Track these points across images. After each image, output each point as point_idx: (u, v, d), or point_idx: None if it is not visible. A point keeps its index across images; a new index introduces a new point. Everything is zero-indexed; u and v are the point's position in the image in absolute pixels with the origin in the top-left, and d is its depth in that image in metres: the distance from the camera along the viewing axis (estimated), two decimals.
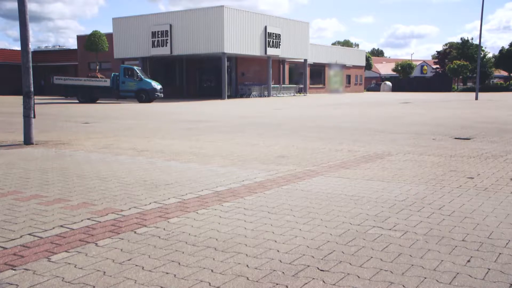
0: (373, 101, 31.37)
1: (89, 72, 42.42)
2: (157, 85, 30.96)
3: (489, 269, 2.97)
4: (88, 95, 31.12)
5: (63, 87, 31.85)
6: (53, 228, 3.81)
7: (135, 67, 31.34)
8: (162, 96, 31.61)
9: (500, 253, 3.23)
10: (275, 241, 3.50)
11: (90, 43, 35.03)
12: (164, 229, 3.80)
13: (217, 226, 3.87)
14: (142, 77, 30.45)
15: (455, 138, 10.01)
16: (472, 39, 78.23)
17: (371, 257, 3.17)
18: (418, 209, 4.38)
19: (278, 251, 3.30)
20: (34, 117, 9.20)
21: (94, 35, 35.22)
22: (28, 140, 9.13)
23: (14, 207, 4.45)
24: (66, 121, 15.55)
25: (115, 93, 30.72)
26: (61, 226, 3.86)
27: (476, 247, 3.36)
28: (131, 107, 25.49)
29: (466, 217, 4.10)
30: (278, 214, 4.23)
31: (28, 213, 4.26)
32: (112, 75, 31.36)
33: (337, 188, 5.25)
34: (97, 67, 35.05)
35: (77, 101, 31.61)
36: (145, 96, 30.36)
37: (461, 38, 78.72)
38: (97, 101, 32.02)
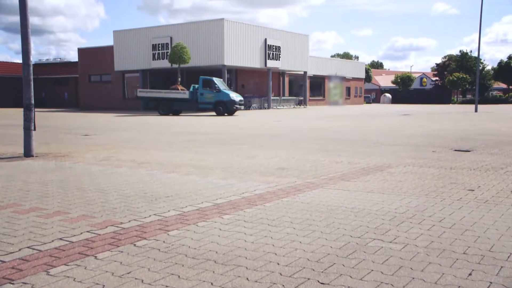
0: (373, 113, 31.43)
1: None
2: (236, 97, 29.58)
3: (491, 282, 2.95)
4: (168, 108, 30.29)
5: (146, 100, 31.27)
6: (52, 241, 3.79)
7: (214, 78, 30.11)
8: (243, 108, 30.57)
9: (502, 267, 3.22)
10: (275, 254, 3.48)
11: (173, 54, 33.78)
12: (164, 241, 3.78)
13: (217, 239, 3.85)
14: (221, 88, 29.25)
15: (455, 150, 10.01)
16: (471, 51, 78.60)
17: (372, 270, 3.15)
18: (418, 221, 4.37)
19: (278, 263, 3.28)
20: (35, 129, 9.20)
21: (177, 46, 33.89)
22: (28, 152, 9.13)
23: (13, 220, 4.44)
24: (66, 133, 15.56)
25: (193, 105, 29.88)
26: (60, 239, 3.85)
27: (477, 260, 3.35)
28: (138, 119, 25.51)
29: (467, 230, 4.09)
30: (278, 226, 4.22)
31: (27, 226, 4.24)
32: (192, 87, 30.54)
33: (337, 201, 5.24)
34: (179, 78, 33.34)
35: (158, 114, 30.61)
36: (223, 108, 29.05)
37: (460, 51, 79.09)
38: (179, 114, 30.98)
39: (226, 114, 29.29)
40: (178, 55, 33.37)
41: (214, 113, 29.67)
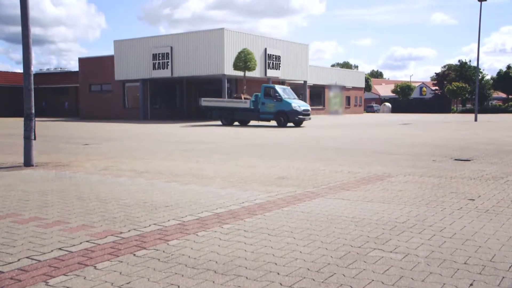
0: (373, 123, 31.47)
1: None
2: (299, 106, 26.71)
3: None
4: (230, 117, 28.66)
5: (210, 109, 29.71)
6: (52, 251, 3.78)
7: (277, 86, 27.79)
8: (309, 118, 27.58)
9: (503, 277, 3.20)
10: (276, 264, 3.46)
11: (239, 60, 31.81)
12: (163, 251, 3.77)
13: (217, 249, 3.84)
14: (282, 97, 26.74)
15: (455, 160, 10.00)
16: (470, 61, 78.88)
17: (372, 280, 3.14)
18: (419, 231, 4.35)
19: (278, 273, 3.27)
20: (35, 138, 9.21)
21: (243, 52, 31.79)
22: (28, 162, 9.12)
23: (12, 230, 4.43)
24: (67, 142, 15.56)
25: (255, 115, 27.71)
26: (60, 248, 3.83)
27: (478, 270, 3.33)
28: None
29: (467, 240, 4.07)
30: (278, 236, 4.20)
31: (27, 235, 4.23)
32: (254, 95, 28.57)
33: (338, 210, 5.23)
34: (244, 87, 31.53)
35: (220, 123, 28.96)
36: (284, 119, 26.54)
37: (459, 60, 79.37)
38: (246, 124, 28.88)
39: (294, 125, 26.85)
40: (244, 62, 31.50)
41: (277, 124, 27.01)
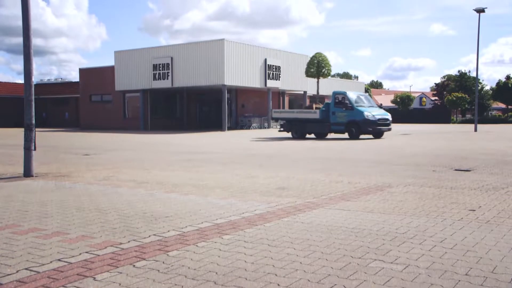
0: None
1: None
2: (372, 115, 23.36)
3: None
4: (301, 130, 25.47)
5: (282, 121, 27.14)
6: (51, 262, 3.76)
7: (348, 92, 24.69)
8: (389, 129, 24.36)
9: None
10: (276, 275, 3.45)
11: (311, 66, 28.62)
12: (163, 262, 3.76)
13: (217, 259, 3.82)
14: (354, 105, 23.64)
15: (456, 170, 9.99)
16: (469, 71, 79.08)
17: None
18: (419, 241, 4.34)
19: (278, 285, 3.25)
20: (35, 149, 9.21)
21: (316, 57, 28.64)
22: (28, 172, 9.11)
23: (11, 241, 4.41)
24: (67, 153, 15.56)
25: (326, 126, 24.53)
26: (59, 260, 3.82)
27: (480, 281, 3.31)
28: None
29: (468, 251, 4.05)
30: (279, 247, 4.19)
31: (26, 247, 4.21)
32: (324, 104, 26.08)
33: (338, 221, 5.21)
34: (318, 97, 28.39)
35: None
36: (355, 130, 23.45)
37: (459, 71, 79.60)
38: (323, 137, 25.32)
39: (373, 137, 23.90)
40: (317, 68, 28.31)
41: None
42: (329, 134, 25.52)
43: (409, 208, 5.92)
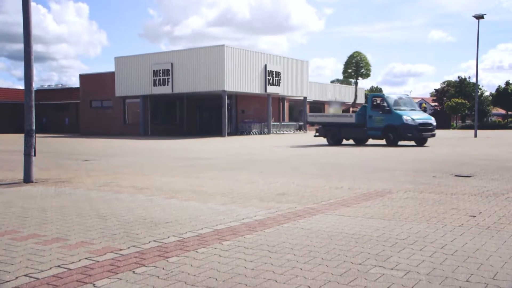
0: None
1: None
2: (412, 120, 21.00)
3: None
4: (337, 135, 23.46)
5: (316, 125, 25.35)
6: (50, 268, 3.75)
7: (387, 94, 22.83)
8: (433, 135, 21.81)
9: None
10: (276, 281, 3.44)
11: (349, 66, 25.96)
12: (163, 268, 3.74)
13: (217, 266, 3.81)
14: (392, 108, 21.40)
15: (456, 176, 9.99)
16: (469, 77, 79.24)
17: None
18: (420, 248, 4.33)
19: None
20: (35, 155, 9.21)
21: (354, 56, 26.27)
22: (27, 178, 9.11)
23: (10, 247, 4.40)
24: (67, 158, 15.56)
25: (362, 131, 22.54)
26: (59, 266, 3.81)
27: None
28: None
29: (469, 257, 4.04)
30: (279, 253, 4.18)
31: (25, 253, 4.20)
32: (360, 107, 24.12)
33: (338, 227, 5.20)
34: (356, 101, 25.38)
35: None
36: (393, 135, 21.26)
37: (458, 77, 79.76)
38: (363, 143, 23.33)
39: (416, 144, 21.66)
40: (355, 68, 25.94)
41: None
42: (369, 140, 23.42)
43: (410, 214, 5.91)
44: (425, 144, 21.68)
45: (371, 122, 22.02)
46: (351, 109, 25.60)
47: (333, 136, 23.58)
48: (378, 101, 21.97)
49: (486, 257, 4.02)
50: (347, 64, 28.05)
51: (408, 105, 22.48)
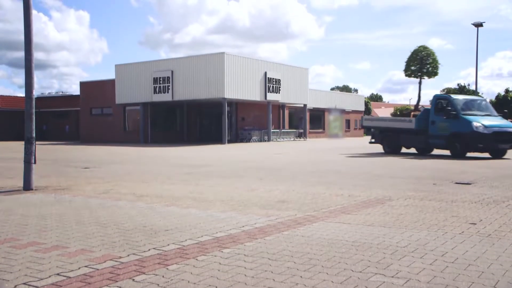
0: (373, 145, 31.45)
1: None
2: (485, 127, 17.40)
3: None
4: (394, 142, 20.81)
5: (372, 130, 22.84)
6: (49, 276, 3.74)
7: (454, 96, 19.14)
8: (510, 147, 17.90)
9: None
10: None
11: (412, 62, 22.06)
12: (163, 276, 3.73)
13: (217, 273, 3.80)
14: (460, 112, 17.97)
15: (456, 183, 9.98)
16: (468, 85, 79.50)
17: None
18: (420, 255, 4.31)
19: None
20: (35, 162, 9.20)
21: (420, 50, 21.99)
22: (27, 186, 9.10)
23: (10, 255, 4.39)
24: (67, 166, 15.55)
25: (422, 139, 19.49)
26: (58, 274, 3.79)
27: None
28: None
29: (470, 265, 4.03)
30: (279, 260, 4.16)
31: (24, 261, 4.19)
32: (422, 111, 21.10)
33: (338, 234, 5.19)
34: (419, 103, 21.59)
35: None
36: (460, 145, 17.85)
37: (458, 84, 79.98)
38: (428, 153, 20.47)
39: (492, 156, 18.15)
40: (419, 64, 22.21)
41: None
42: (428, 148, 20.25)
43: (410, 221, 5.90)
44: (504, 156, 18.41)
45: (434, 129, 18.73)
46: (412, 113, 21.32)
47: (391, 143, 20.90)
48: (443, 104, 18.51)
49: (487, 265, 4.01)
50: (410, 60, 24.41)
51: (482, 110, 18.85)
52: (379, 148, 22.73)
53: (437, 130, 18.61)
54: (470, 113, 18.13)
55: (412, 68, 24.39)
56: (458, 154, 17.94)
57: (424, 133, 19.17)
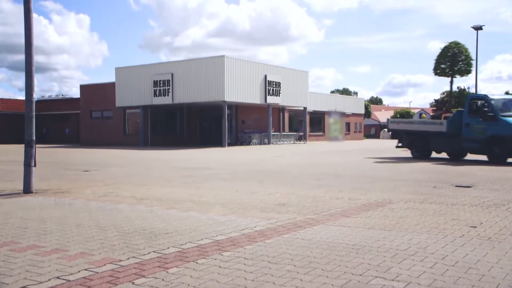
0: (373, 148, 31.46)
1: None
2: None
3: None
4: (423, 147, 19.23)
5: (398, 133, 20.79)
6: (49, 280, 3.73)
7: (491, 96, 17.51)
8: None
9: None
10: None
11: (443, 59, 20.57)
12: (163, 279, 3.73)
13: (217, 277, 3.79)
14: (499, 113, 16.41)
15: (456, 186, 9.97)
16: (468, 88, 79.54)
17: None
18: (421, 258, 4.31)
19: None
20: (35, 165, 9.20)
21: (452, 47, 20.15)
22: (27, 189, 9.09)
23: (9, 259, 4.38)
24: (67, 169, 15.55)
25: (455, 143, 17.76)
26: (57, 277, 3.79)
27: None
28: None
29: (470, 268, 4.02)
30: (279, 263, 4.16)
31: (24, 264, 4.18)
32: (454, 113, 19.38)
33: (338, 237, 5.18)
34: (450, 100, 19.88)
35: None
36: (499, 150, 16.39)
37: (458, 87, 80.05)
38: (461, 158, 18.79)
39: None
40: (451, 62, 20.51)
41: None
42: (462, 153, 18.77)
43: (410, 224, 5.90)
44: None
45: (469, 132, 17.12)
46: (443, 115, 20.21)
47: (419, 147, 19.36)
48: (479, 105, 16.98)
49: (487, 268, 4.00)
50: (441, 58, 22.07)
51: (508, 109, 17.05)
52: (379, 149, 22.74)
53: (472, 133, 17.04)
54: (510, 114, 16.48)
55: (442, 66, 22.18)
56: (496, 159, 16.51)
57: (456, 137, 17.59)
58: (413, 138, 19.54)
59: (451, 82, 20.21)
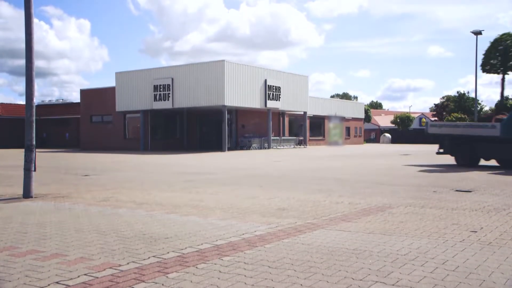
0: (373, 153, 31.46)
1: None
2: None
3: None
4: (470, 153, 17.17)
5: (440, 138, 18.70)
6: (48, 285, 3.72)
7: None
8: None
9: None
10: None
11: (493, 53, 18.58)
12: (162, 284, 3.72)
13: (217, 281, 3.78)
14: None
15: (456, 191, 9.96)
16: (468, 92, 79.63)
17: None
18: (421, 263, 4.30)
19: None
20: (35, 170, 9.19)
21: (503, 39, 18.24)
22: (27, 193, 9.08)
23: (9, 264, 4.37)
24: (67, 173, 15.54)
25: (508, 149, 15.91)
26: (57, 282, 3.78)
27: None
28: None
29: (471, 273, 4.01)
30: (279, 268, 4.15)
31: (23, 269, 4.17)
32: (510, 114, 17.03)
33: (339, 242, 5.17)
34: (502, 100, 18.34)
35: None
36: None
37: (458, 92, 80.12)
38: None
39: None
40: (502, 57, 18.52)
41: None
42: None
43: (410, 229, 5.89)
44: None
45: None
46: (494, 117, 18.59)
47: (465, 154, 17.31)
48: None
49: (488, 274, 3.99)
50: (490, 52, 19.38)
51: None
52: (379, 151, 22.73)
53: None
54: None
55: (492, 61, 19.55)
56: None
57: (510, 141, 15.73)
58: (458, 143, 17.60)
59: (503, 80, 17.85)
